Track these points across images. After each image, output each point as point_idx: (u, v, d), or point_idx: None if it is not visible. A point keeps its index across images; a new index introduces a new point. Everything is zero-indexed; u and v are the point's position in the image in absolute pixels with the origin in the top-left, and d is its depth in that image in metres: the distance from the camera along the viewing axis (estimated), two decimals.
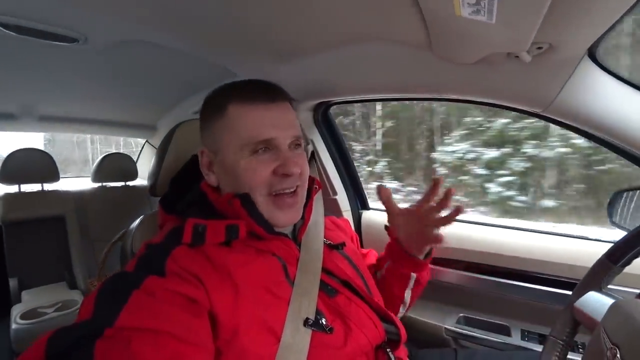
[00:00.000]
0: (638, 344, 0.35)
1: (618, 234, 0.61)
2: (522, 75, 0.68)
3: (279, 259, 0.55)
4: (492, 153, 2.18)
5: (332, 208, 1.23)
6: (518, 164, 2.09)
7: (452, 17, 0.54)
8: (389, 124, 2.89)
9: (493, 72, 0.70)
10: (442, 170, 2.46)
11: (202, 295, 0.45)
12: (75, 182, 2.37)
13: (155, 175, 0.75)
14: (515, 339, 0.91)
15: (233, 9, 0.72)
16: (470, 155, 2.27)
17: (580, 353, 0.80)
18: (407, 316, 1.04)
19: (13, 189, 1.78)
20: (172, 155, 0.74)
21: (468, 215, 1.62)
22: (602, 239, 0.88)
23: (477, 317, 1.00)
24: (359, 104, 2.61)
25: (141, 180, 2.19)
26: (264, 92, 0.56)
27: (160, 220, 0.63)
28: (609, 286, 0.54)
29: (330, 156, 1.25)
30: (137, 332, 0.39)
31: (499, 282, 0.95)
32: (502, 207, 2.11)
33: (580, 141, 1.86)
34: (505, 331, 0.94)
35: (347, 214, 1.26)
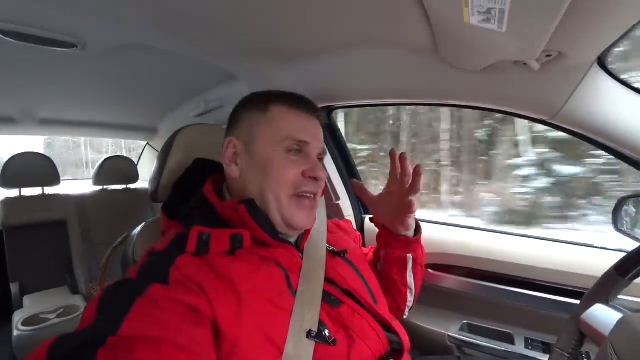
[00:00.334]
0: None
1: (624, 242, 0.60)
2: (530, 83, 0.66)
3: (282, 268, 0.55)
4: None
5: (335, 213, 1.22)
6: None
7: (460, 24, 0.53)
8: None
9: (500, 79, 0.69)
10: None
11: (204, 304, 0.45)
12: (75, 184, 2.36)
13: (156, 180, 0.74)
14: (519, 347, 0.90)
15: (234, 12, 0.72)
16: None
17: None
18: (410, 323, 1.04)
19: (14, 193, 1.76)
20: (174, 160, 0.73)
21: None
22: (607, 247, 0.87)
23: (481, 325, 0.99)
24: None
25: (142, 183, 2.18)
26: (307, 104, 0.60)
27: (163, 227, 0.62)
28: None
29: (333, 160, 1.24)
30: (139, 341, 0.38)
31: (503, 289, 0.94)
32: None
33: None
34: (509, 339, 0.93)
35: (350, 219, 1.25)
